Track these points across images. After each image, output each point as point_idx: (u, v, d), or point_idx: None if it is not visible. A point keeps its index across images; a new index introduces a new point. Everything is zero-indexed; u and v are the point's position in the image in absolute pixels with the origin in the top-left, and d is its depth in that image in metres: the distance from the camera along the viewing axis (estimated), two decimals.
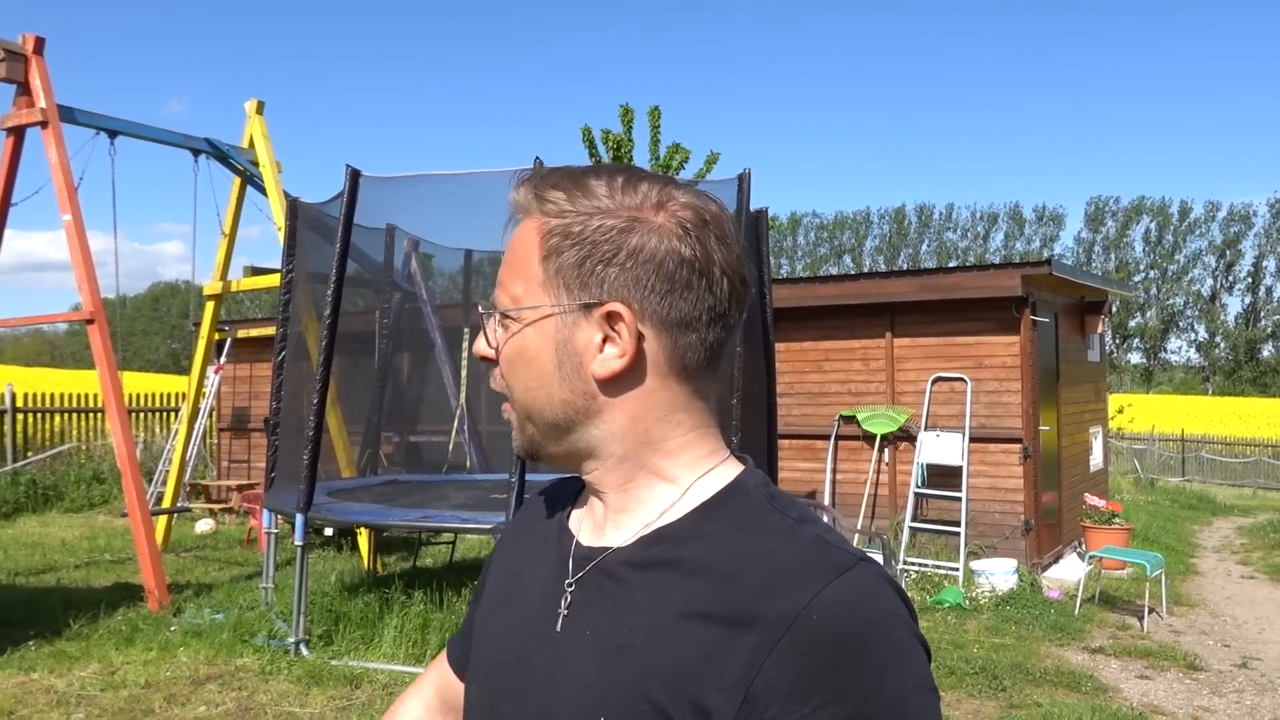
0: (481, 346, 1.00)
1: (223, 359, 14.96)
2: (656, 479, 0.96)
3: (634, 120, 15.42)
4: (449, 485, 9.14)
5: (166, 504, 11.32)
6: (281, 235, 10.28)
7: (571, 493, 1.12)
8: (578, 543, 1.00)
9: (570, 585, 0.96)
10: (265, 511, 7.91)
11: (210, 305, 11.05)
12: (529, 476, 9.78)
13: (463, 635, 1.23)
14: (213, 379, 14.51)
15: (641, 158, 15.49)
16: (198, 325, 16.53)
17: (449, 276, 12.68)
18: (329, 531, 10.94)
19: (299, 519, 6.67)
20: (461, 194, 8.47)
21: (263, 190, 10.74)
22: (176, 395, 19.69)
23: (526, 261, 0.96)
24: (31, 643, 6.90)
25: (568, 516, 1.07)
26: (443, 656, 1.28)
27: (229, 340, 14.75)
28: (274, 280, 10.58)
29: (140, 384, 26.77)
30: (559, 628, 0.95)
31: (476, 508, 6.91)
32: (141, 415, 17.92)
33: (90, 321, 8.24)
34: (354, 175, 6.92)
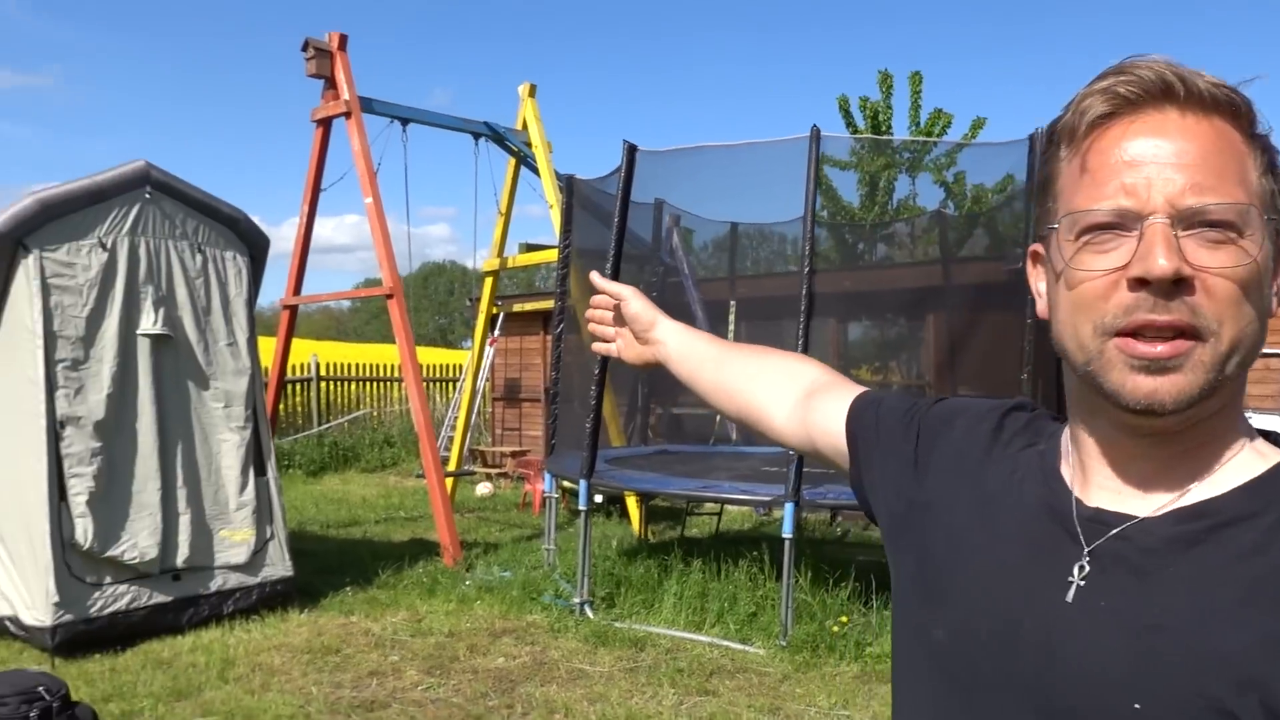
0: (1207, 257, 0.80)
1: (496, 332, 15.84)
2: (1224, 442, 0.87)
3: (893, 86, 14.92)
4: (717, 457, 9.23)
5: (451, 468, 12.11)
6: (554, 213, 10.70)
7: (1004, 425, 1.04)
8: (1079, 501, 0.91)
9: (1086, 554, 0.88)
10: (546, 476, 8.29)
11: (488, 281, 11.67)
12: None
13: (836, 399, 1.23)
14: (488, 351, 15.38)
15: (900, 124, 14.97)
16: (475, 300, 17.55)
17: (711, 250, 12.73)
18: (598, 498, 11.34)
19: (582, 485, 6.93)
20: (729, 166, 8.48)
21: (535, 170, 11.21)
22: (449, 366, 21.03)
23: (1243, 169, 0.83)
24: (348, 589, 7.58)
25: (1043, 458, 0.98)
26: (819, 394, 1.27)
27: (501, 315, 15.60)
28: (547, 256, 11.04)
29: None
30: (1069, 598, 0.87)
31: (753, 479, 6.93)
32: (423, 385, 19.30)
33: (390, 296, 8.90)
34: (630, 150, 7.06)
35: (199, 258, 6.88)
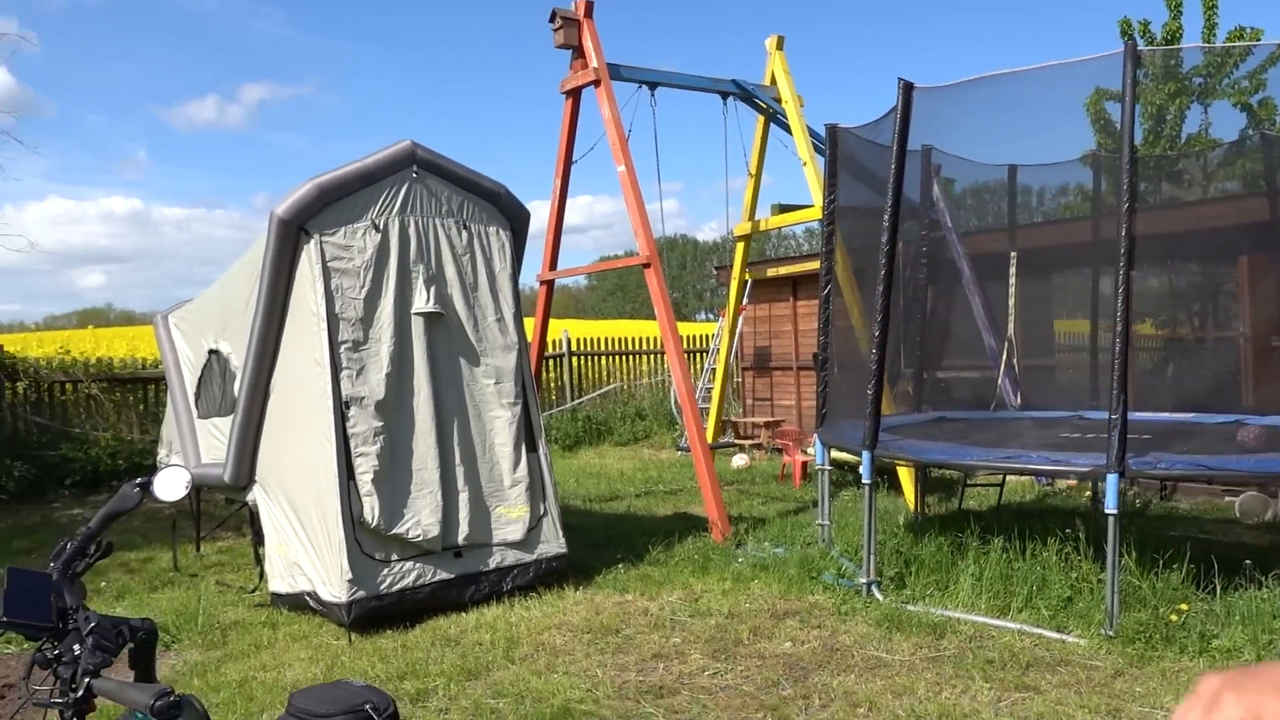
0: None
1: (744, 300, 15.44)
2: None
3: (1183, 5, 13.26)
4: (1005, 424, 8.41)
5: (709, 441, 11.84)
6: (808, 170, 10.12)
7: None
8: None
9: None
10: (817, 446, 7.81)
11: (740, 246, 11.27)
12: (1090, 414, 8.77)
13: None
14: (738, 320, 15.01)
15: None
16: (721, 268, 17.23)
17: (981, 198, 11.75)
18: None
19: (866, 456, 6.40)
20: (1006, 100, 7.61)
21: (786, 127, 10.67)
22: (691, 338, 20.83)
23: None
24: (620, 565, 7.42)
25: None
26: None
27: (749, 281, 15.19)
28: (803, 216, 10.49)
29: (648, 329, 28.84)
30: None
31: (1063, 448, 6.15)
32: (661, 357, 19.23)
33: (647, 265, 8.65)
34: (907, 89, 6.41)
35: (465, 234, 6.85)
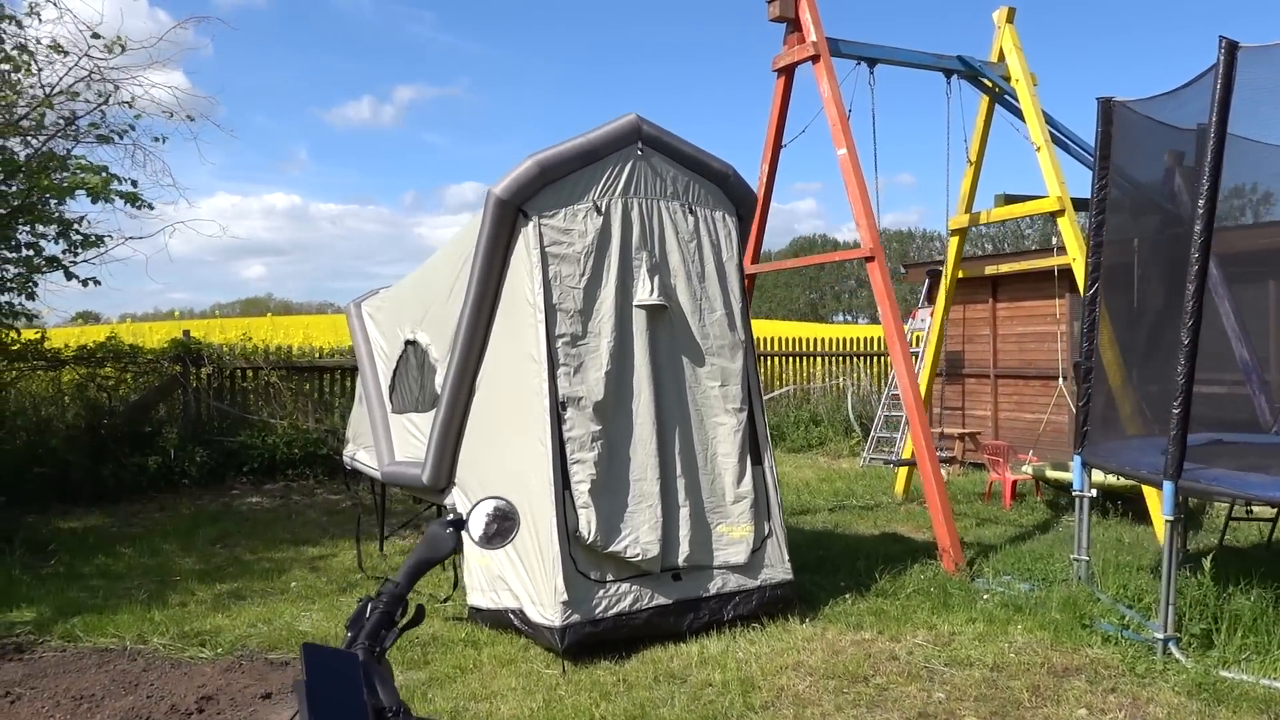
0: None
1: (925, 301, 14.33)
2: None
3: None
4: None
5: (906, 455, 10.86)
6: (1041, 156, 9.05)
7: None
8: None
9: None
10: (1076, 468, 6.80)
11: (954, 241, 10.25)
12: None
13: None
14: (926, 321, 13.93)
15: None
16: (909, 266, 16.13)
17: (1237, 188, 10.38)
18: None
19: (1168, 488, 5.39)
20: None
21: (1012, 109, 9.60)
22: (828, 340, 19.67)
23: None
24: (846, 595, 6.60)
25: None
26: None
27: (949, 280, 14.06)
28: (1036, 207, 9.42)
29: (792, 330, 27.74)
30: None
31: None
32: (839, 360, 18.20)
33: (870, 259, 7.79)
34: (1230, 49, 5.35)
35: (691, 219, 6.15)
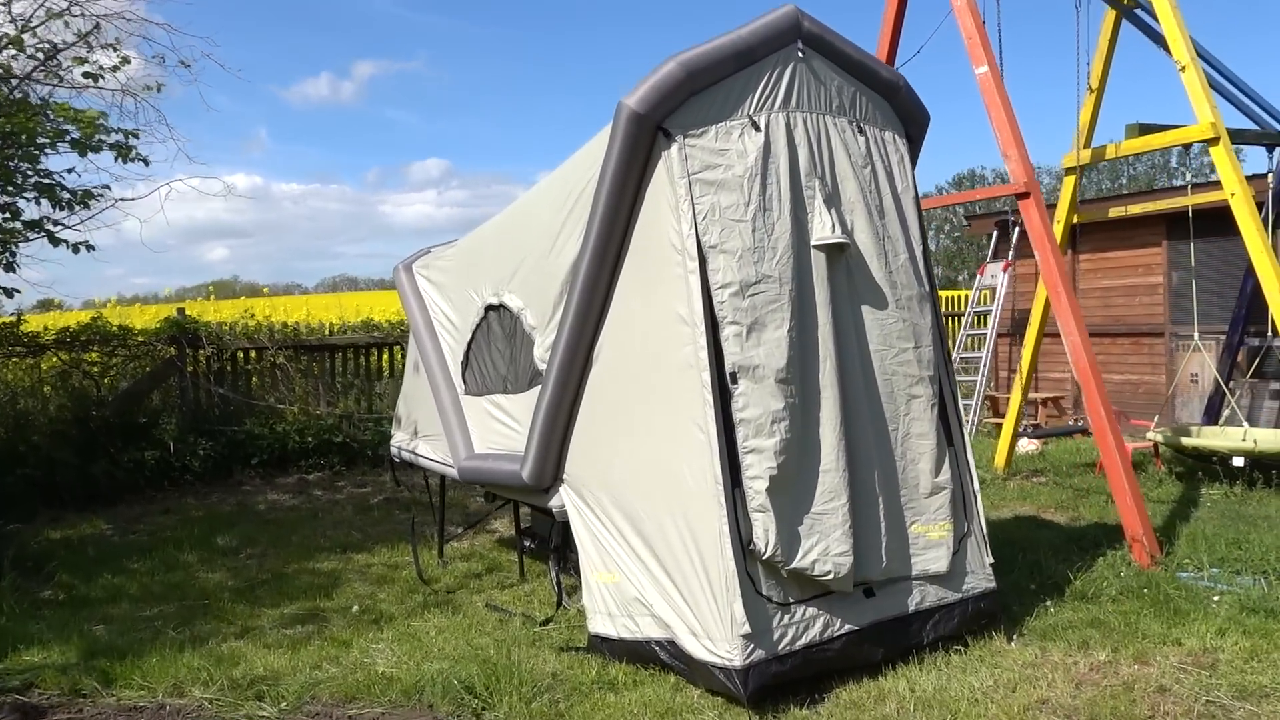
0: None
1: (1011, 254, 13.15)
2: None
3: None
4: None
5: (1010, 421, 9.68)
6: (1188, 77, 7.82)
7: None
8: None
9: None
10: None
11: (1070, 180, 9.03)
12: None
13: None
14: (1001, 277, 12.75)
15: None
16: (971, 218, 14.90)
17: None
18: (1238, 462, 8.46)
19: None
20: None
21: (1146, 28, 8.37)
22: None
23: None
24: (1045, 601, 5.39)
25: None
26: None
27: (1016, 231, 12.89)
28: (1175, 138, 8.20)
29: None
30: None
31: None
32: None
33: (1025, 195, 6.54)
34: None
35: (861, 139, 4.86)
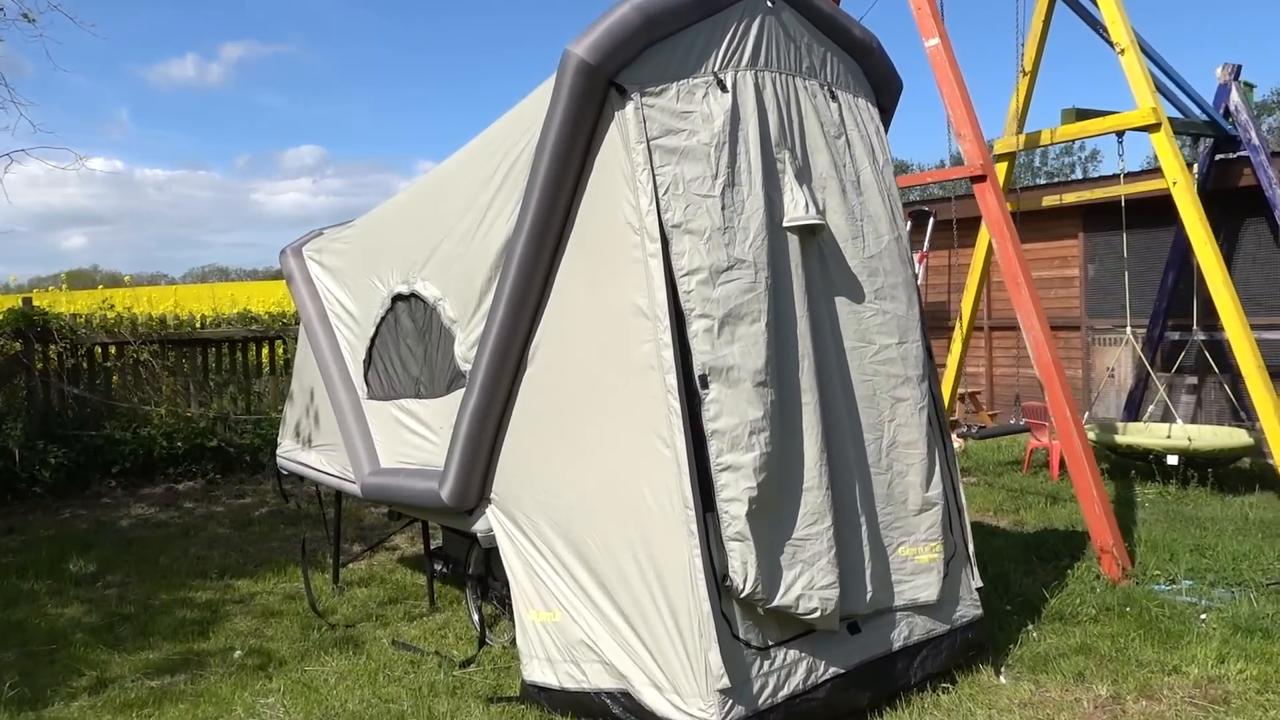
0: None
1: (925, 245, 12.85)
2: None
3: None
4: None
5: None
6: (1127, 60, 7.51)
7: None
8: None
9: None
10: None
11: (1002, 167, 8.66)
12: None
13: None
14: (917, 270, 12.41)
15: None
16: (926, 206, 14.56)
17: None
18: (1172, 460, 8.23)
19: None
20: None
21: (1080, 9, 8.04)
22: None
23: None
24: (1019, 623, 4.90)
25: None
26: None
27: (930, 223, 12.58)
28: (1113, 124, 7.89)
29: None
30: None
31: None
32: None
33: (980, 179, 6.07)
34: None
35: (834, 105, 4.25)
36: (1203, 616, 4.92)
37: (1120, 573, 5.52)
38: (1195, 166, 9.51)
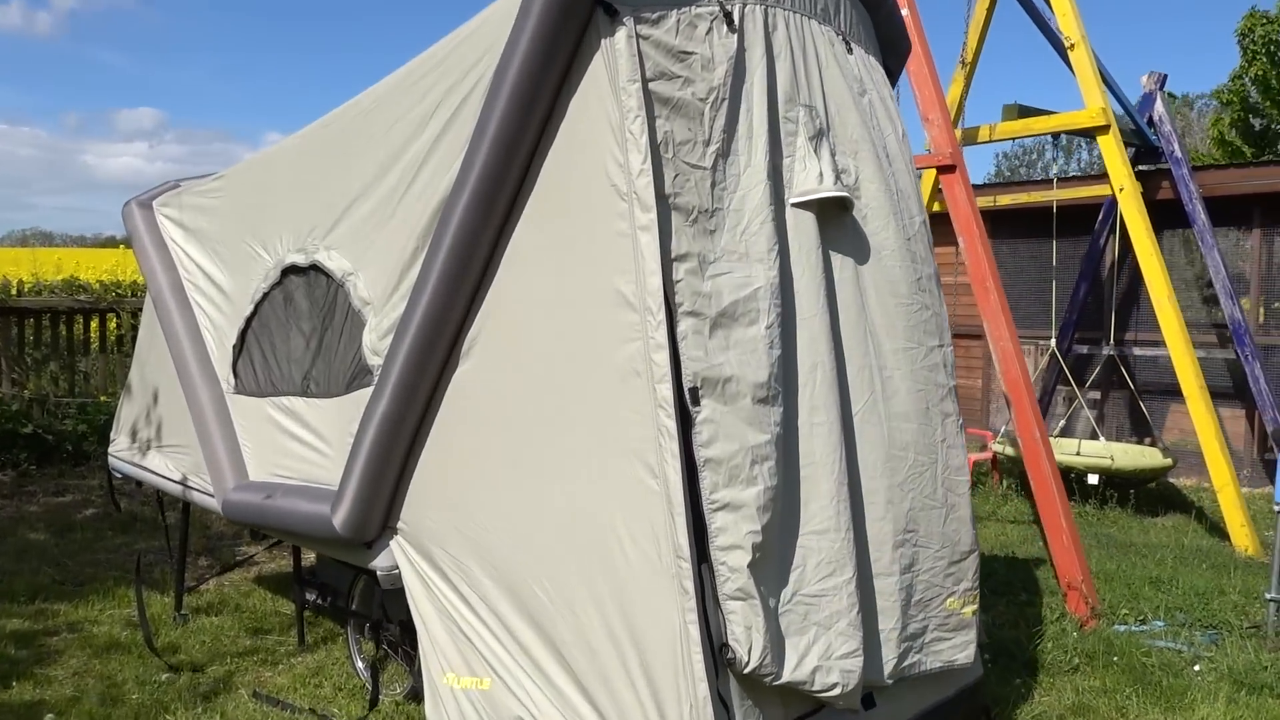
0: None
1: None
2: None
3: None
4: None
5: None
6: (1077, 56, 7.13)
7: None
8: None
9: None
10: None
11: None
12: None
13: None
14: None
15: None
16: None
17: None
18: (1093, 479, 7.93)
19: None
20: None
21: (1026, 3, 7.61)
22: None
23: None
24: (998, 676, 4.29)
25: None
26: None
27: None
28: (1058, 123, 7.48)
29: None
30: None
31: None
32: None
33: (949, 169, 5.47)
34: None
35: (852, 59, 3.50)
36: (1195, 667, 4.43)
37: (1089, 611, 5.01)
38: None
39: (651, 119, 2.79)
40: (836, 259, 3.25)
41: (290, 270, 3.88)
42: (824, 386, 3.07)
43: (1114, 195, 7.58)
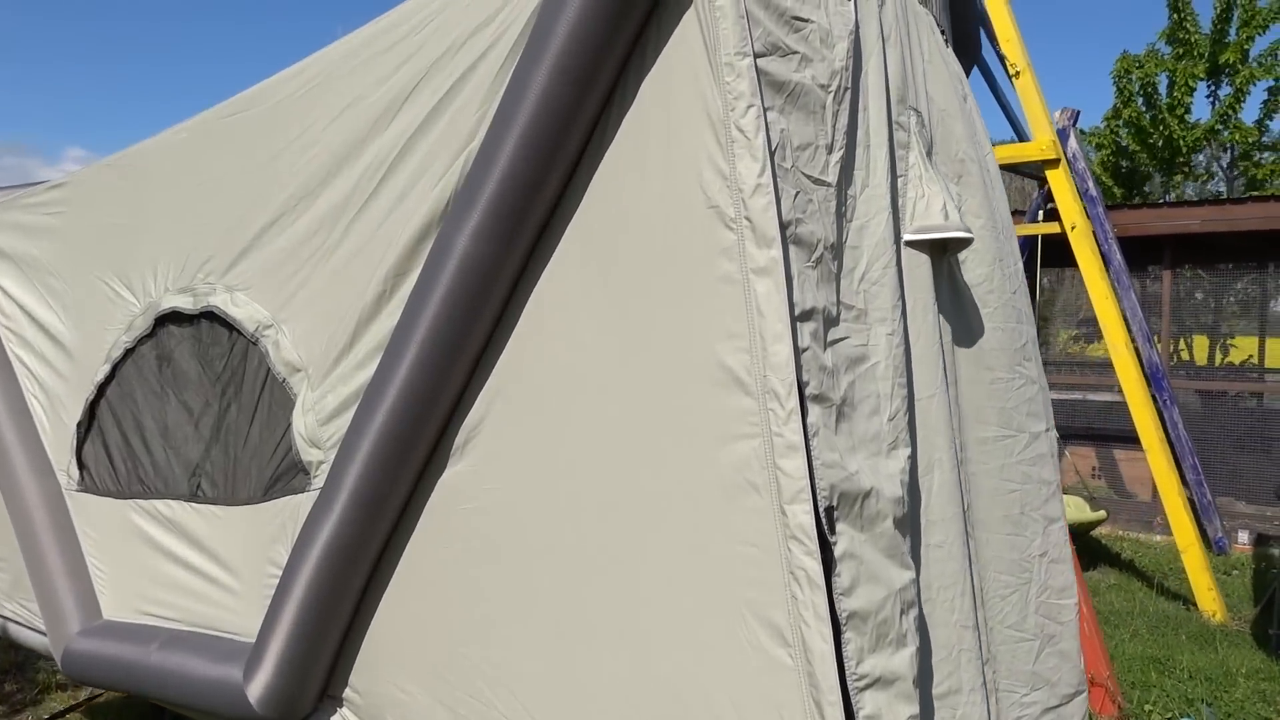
0: None
1: None
2: None
3: None
4: None
5: None
6: (1022, 84, 6.75)
7: None
8: None
9: None
10: None
11: None
12: None
13: None
14: None
15: None
16: None
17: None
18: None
19: None
20: None
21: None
22: None
23: None
24: None
25: None
26: None
27: None
28: (1007, 155, 7.01)
29: None
30: None
31: None
32: None
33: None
34: None
35: (949, 54, 2.72)
36: None
37: (1117, 712, 4.36)
38: (1026, 214, 8.98)
39: (765, 115, 1.90)
40: (943, 320, 2.44)
41: (169, 318, 2.71)
42: (942, 494, 2.24)
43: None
